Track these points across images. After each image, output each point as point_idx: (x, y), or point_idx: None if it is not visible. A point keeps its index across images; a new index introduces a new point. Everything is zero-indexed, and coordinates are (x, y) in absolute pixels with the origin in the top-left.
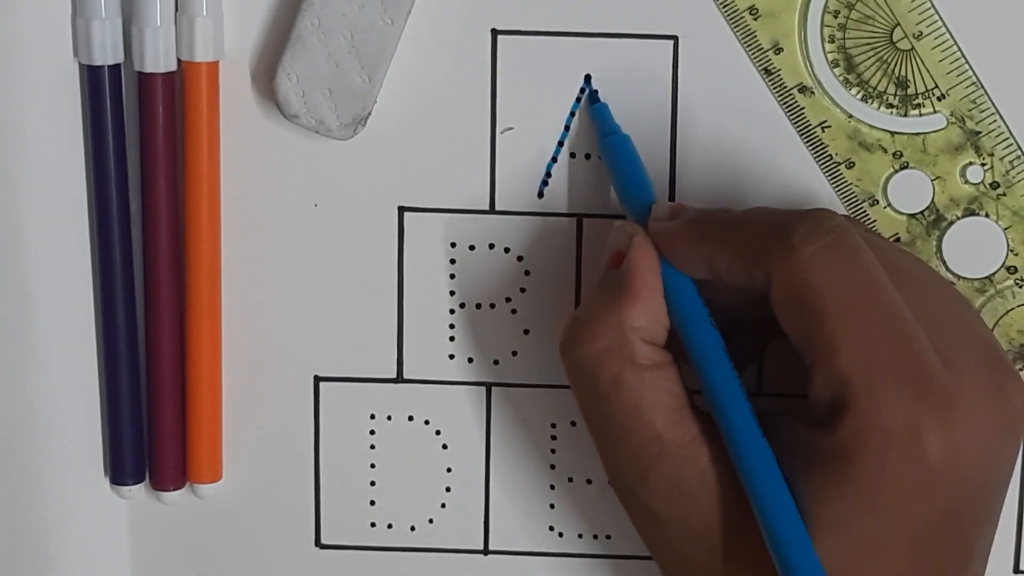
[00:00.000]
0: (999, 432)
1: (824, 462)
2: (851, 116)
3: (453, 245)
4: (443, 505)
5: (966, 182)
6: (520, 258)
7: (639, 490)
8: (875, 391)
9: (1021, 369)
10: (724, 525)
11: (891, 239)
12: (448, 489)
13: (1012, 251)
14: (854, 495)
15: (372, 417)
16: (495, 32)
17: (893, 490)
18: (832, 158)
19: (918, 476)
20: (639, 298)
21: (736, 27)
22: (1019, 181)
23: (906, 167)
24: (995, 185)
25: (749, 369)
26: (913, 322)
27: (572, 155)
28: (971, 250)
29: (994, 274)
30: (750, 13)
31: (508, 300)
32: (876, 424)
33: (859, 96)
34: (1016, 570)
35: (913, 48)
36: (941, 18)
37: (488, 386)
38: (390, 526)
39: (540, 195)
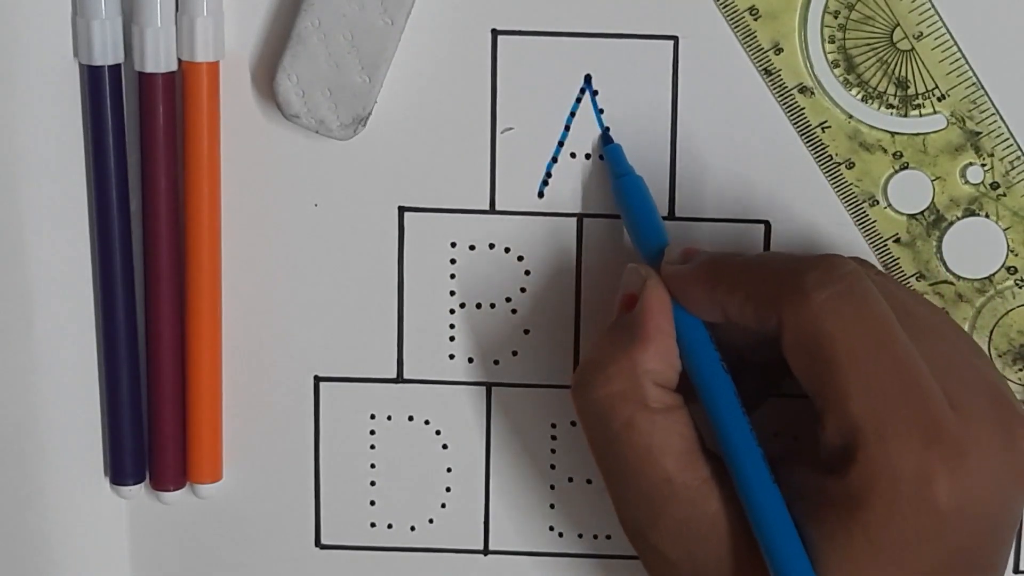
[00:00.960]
0: (1008, 478)
1: (834, 507)
2: (851, 116)
3: (453, 245)
4: (443, 505)
5: (966, 182)
6: (520, 258)
7: (650, 532)
8: (885, 438)
9: (1021, 370)
10: (734, 568)
11: (891, 238)
12: (448, 489)
13: (1012, 251)
14: (863, 540)
15: (372, 417)
16: (495, 32)
17: (902, 536)
18: (832, 158)
19: (927, 522)
20: (652, 341)
21: (736, 27)
22: (1019, 182)
23: (906, 167)
24: (995, 185)
25: (759, 410)
26: (923, 368)
27: (572, 155)
28: (971, 250)
29: (994, 274)
30: (750, 13)
31: (508, 300)
32: (886, 470)
33: (859, 96)
34: (1016, 570)
35: (913, 48)
36: (941, 18)
37: (488, 386)
38: (390, 526)
39: (540, 195)
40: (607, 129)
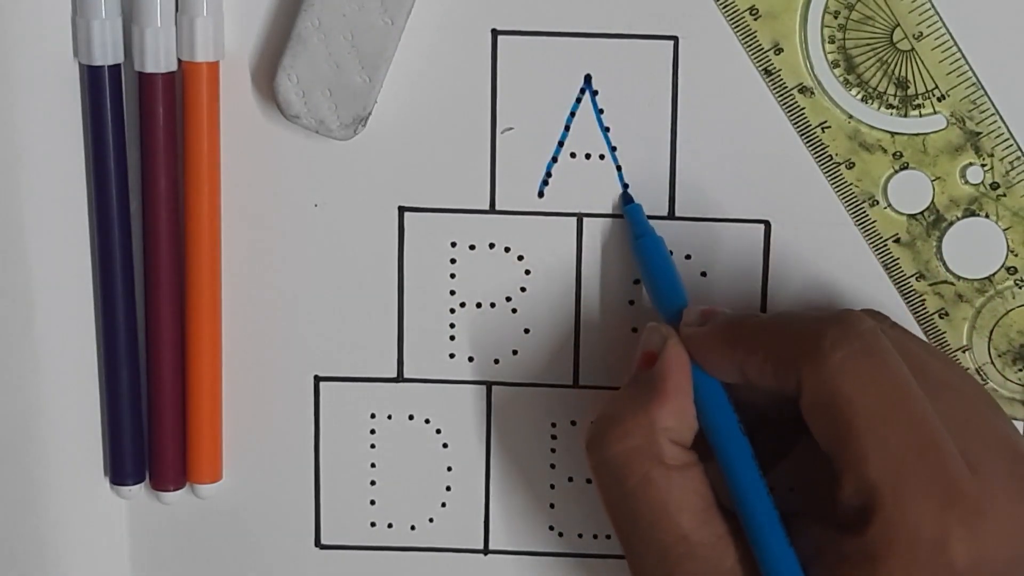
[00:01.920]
0: None
1: (851, 565)
2: (851, 116)
3: (453, 245)
4: (443, 504)
5: (966, 183)
6: (520, 258)
7: None
8: (903, 499)
9: (1021, 370)
10: None
11: (891, 238)
12: (448, 488)
13: (1012, 252)
14: None
15: (372, 417)
16: (495, 32)
17: None
18: (832, 158)
19: None
20: (670, 399)
21: (736, 27)
22: (1019, 182)
23: (906, 167)
24: (995, 186)
25: (777, 468)
26: (940, 429)
27: (572, 155)
28: (971, 251)
29: (994, 275)
30: (750, 13)
31: (508, 300)
32: (904, 532)
33: (859, 96)
34: None
35: (913, 49)
36: (941, 19)
37: (488, 385)
38: (390, 526)
39: (540, 195)
40: (627, 189)
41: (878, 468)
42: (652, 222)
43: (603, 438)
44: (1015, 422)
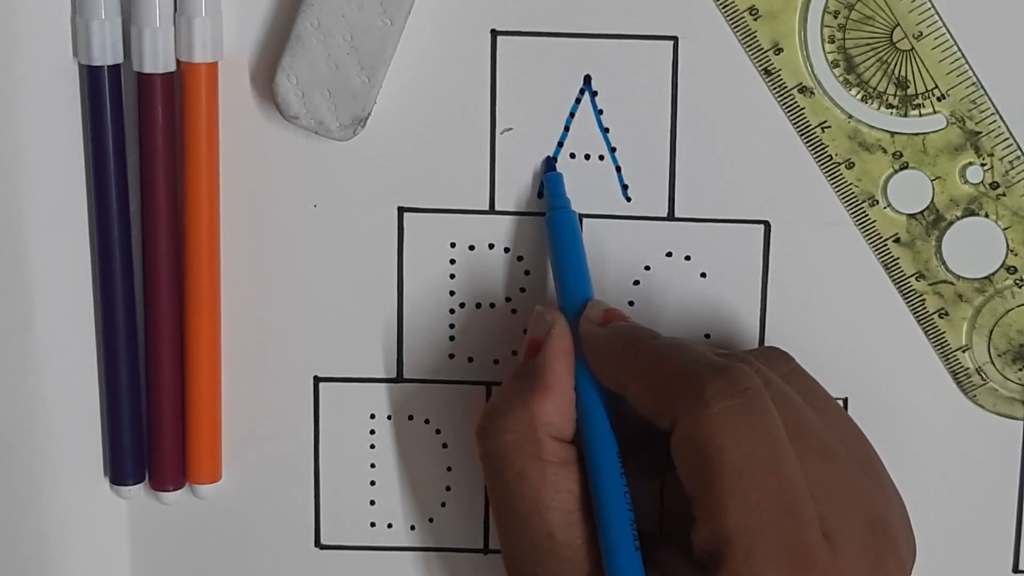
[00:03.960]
0: None
1: None
2: (851, 116)
3: (453, 245)
4: (443, 504)
5: (966, 182)
6: (520, 258)
7: None
8: (752, 556)
9: (1020, 370)
10: None
11: (891, 237)
12: (448, 488)
13: (1012, 251)
14: None
15: (372, 417)
16: (495, 32)
17: None
18: (832, 158)
19: None
20: (551, 393)
21: (736, 27)
22: (1019, 181)
23: (906, 167)
24: (995, 185)
25: (652, 483)
26: (804, 494)
27: (572, 155)
28: (971, 250)
29: (994, 274)
30: (750, 13)
31: (508, 300)
32: None
33: (859, 96)
34: (1016, 570)
35: (913, 48)
36: (941, 18)
37: (488, 385)
38: (390, 526)
39: (540, 195)
40: (553, 159)
41: (735, 521)
42: (652, 222)
43: (487, 430)
44: (1014, 422)
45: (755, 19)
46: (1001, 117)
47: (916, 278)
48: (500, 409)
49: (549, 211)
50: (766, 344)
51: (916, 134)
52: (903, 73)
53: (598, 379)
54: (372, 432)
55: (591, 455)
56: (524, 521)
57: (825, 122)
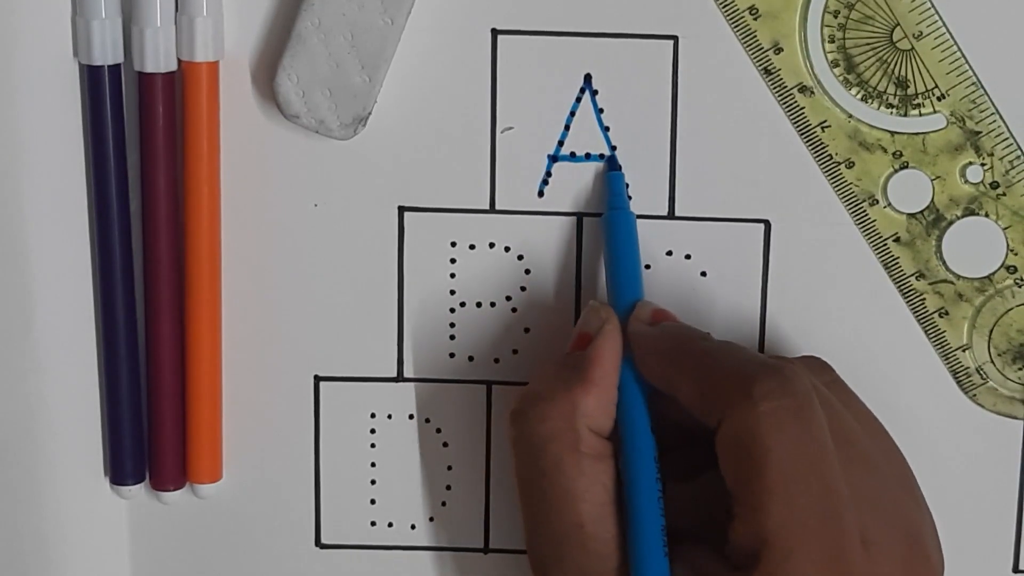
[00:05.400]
0: None
1: None
2: (851, 116)
3: (453, 245)
4: (443, 503)
5: (966, 182)
6: (520, 257)
7: (552, 568)
8: (790, 558)
9: (1021, 369)
10: None
11: (891, 237)
12: (448, 487)
13: (1012, 251)
14: None
15: (372, 416)
16: (495, 32)
17: None
18: (832, 158)
19: None
20: (595, 386)
21: (736, 27)
22: (1019, 181)
23: (906, 167)
24: (995, 185)
25: (685, 484)
26: (846, 502)
27: (572, 155)
28: (971, 250)
29: (994, 274)
30: (750, 13)
31: (508, 299)
32: None
33: (859, 96)
34: (1016, 570)
35: (913, 48)
36: (941, 18)
37: (488, 384)
38: (390, 525)
39: (540, 195)
40: (615, 151)
41: (776, 522)
42: (652, 222)
43: (525, 414)
44: (1015, 421)
45: (755, 19)
46: (1001, 117)
47: (916, 277)
48: (542, 395)
49: (608, 211)
50: (808, 354)
51: (916, 134)
52: (903, 73)
53: (647, 377)
54: (372, 432)
55: (629, 455)
56: (555, 510)
57: (825, 122)
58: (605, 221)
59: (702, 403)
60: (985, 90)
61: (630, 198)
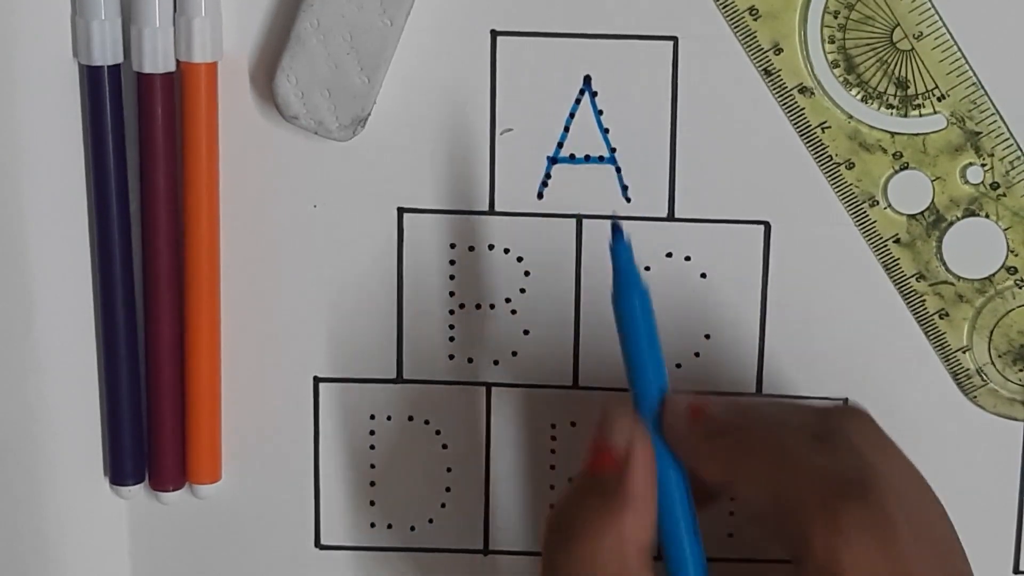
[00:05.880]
0: None
1: None
2: (851, 117)
3: (453, 246)
4: (443, 505)
5: (966, 183)
6: (520, 258)
7: None
8: None
9: (1021, 371)
10: None
11: (891, 238)
12: (448, 489)
13: (1012, 252)
14: None
15: (372, 417)
16: (495, 33)
17: None
18: (832, 159)
19: None
20: (640, 513)
21: (736, 27)
22: (1019, 182)
23: (906, 168)
24: (995, 186)
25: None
26: None
27: (572, 155)
28: (971, 251)
29: (994, 275)
30: (750, 13)
31: (508, 300)
32: None
33: (859, 97)
34: (1016, 570)
35: (913, 49)
36: (941, 18)
37: (488, 386)
38: (390, 526)
39: (540, 195)
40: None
41: None
42: (652, 223)
43: (568, 543)
44: (1015, 422)
45: (755, 19)
46: (1001, 117)
47: (916, 279)
48: (581, 518)
49: (621, 290)
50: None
51: (916, 134)
52: (903, 73)
53: (707, 481)
54: (372, 433)
55: (673, 562)
56: None
57: (825, 122)
58: (617, 302)
59: (777, 524)
60: (985, 91)
61: (630, 199)
